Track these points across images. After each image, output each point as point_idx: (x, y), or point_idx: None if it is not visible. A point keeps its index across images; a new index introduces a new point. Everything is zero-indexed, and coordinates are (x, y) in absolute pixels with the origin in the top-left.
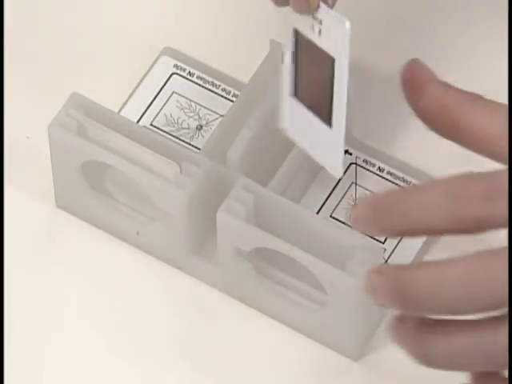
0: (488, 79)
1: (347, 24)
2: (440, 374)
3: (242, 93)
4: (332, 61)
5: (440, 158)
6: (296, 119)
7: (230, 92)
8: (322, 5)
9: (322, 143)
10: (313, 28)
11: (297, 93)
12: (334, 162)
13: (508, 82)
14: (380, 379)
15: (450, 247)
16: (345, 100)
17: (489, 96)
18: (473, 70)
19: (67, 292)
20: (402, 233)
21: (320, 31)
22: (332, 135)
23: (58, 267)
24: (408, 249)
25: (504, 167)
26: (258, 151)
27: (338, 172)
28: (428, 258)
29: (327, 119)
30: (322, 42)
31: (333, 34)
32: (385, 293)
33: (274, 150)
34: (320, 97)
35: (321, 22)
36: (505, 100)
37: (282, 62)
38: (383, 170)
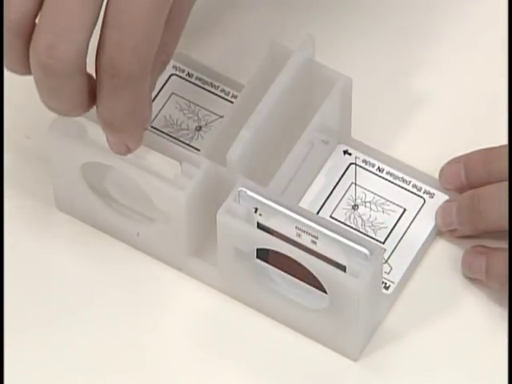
0: (488, 79)
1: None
2: (440, 374)
3: (241, 93)
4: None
5: (440, 157)
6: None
7: (229, 93)
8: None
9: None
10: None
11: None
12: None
13: (508, 81)
14: (380, 379)
15: (450, 247)
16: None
17: (489, 95)
18: (472, 70)
19: (67, 293)
20: None
21: (316, 243)
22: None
23: (58, 268)
24: (408, 249)
25: None
26: (258, 151)
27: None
28: (428, 258)
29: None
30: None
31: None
32: None
33: (274, 150)
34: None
35: (316, 237)
36: (504, 99)
37: None
38: (383, 170)
